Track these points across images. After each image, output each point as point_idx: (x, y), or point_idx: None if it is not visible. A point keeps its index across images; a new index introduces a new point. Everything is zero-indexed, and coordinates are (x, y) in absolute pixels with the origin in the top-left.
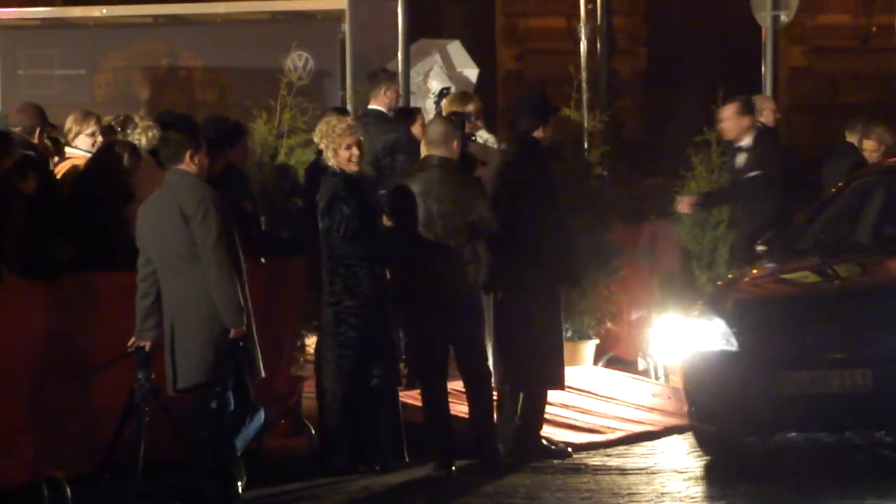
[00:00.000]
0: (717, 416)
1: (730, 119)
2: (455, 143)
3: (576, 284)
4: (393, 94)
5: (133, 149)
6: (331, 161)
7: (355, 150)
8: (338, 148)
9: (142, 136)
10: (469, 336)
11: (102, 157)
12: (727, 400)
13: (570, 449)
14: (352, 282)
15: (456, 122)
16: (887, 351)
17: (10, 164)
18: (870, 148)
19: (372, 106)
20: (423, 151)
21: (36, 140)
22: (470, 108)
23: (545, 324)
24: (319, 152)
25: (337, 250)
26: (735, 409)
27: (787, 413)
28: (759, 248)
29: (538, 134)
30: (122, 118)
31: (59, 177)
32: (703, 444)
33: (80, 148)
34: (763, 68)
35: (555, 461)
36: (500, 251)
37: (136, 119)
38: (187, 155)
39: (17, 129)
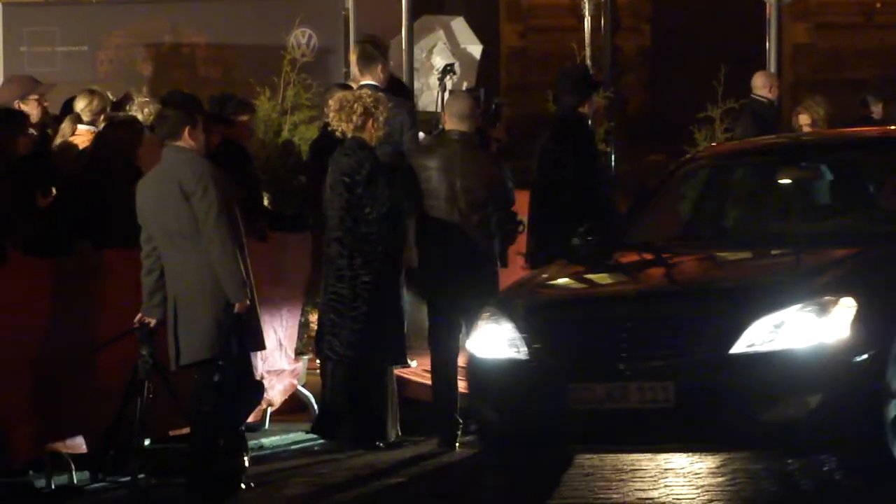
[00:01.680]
0: (504, 432)
1: None
2: (475, 119)
3: None
4: (386, 69)
5: (136, 125)
6: (373, 133)
7: (383, 126)
8: (375, 121)
9: (138, 112)
10: None
11: (107, 135)
12: (514, 415)
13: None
14: (371, 257)
15: (476, 98)
16: (692, 361)
17: (25, 141)
18: (804, 122)
19: (368, 81)
20: (447, 126)
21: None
22: None
23: None
24: (325, 127)
25: (361, 227)
26: (522, 426)
27: (580, 430)
28: (575, 240)
29: (583, 109)
30: (121, 96)
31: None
32: (494, 461)
33: (90, 125)
34: (767, 45)
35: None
36: (552, 225)
37: (134, 95)
38: (185, 131)
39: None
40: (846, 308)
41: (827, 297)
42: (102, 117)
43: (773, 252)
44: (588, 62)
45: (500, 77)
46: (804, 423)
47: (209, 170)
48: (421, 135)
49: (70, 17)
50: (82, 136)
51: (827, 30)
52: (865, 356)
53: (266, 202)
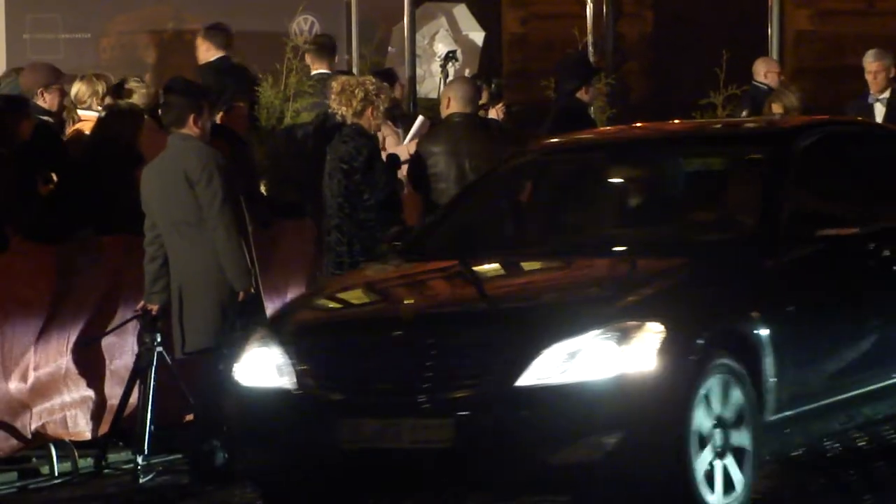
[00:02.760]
0: (267, 473)
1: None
2: (477, 103)
3: None
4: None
5: (135, 111)
6: (371, 121)
7: (386, 114)
8: (375, 109)
9: (133, 96)
10: None
11: (107, 121)
12: (277, 453)
13: None
14: (370, 244)
15: (478, 83)
16: (473, 395)
17: (28, 126)
18: (777, 111)
19: (320, 70)
20: (444, 111)
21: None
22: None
23: None
24: (324, 114)
25: (360, 213)
26: (286, 466)
27: (349, 473)
28: (384, 247)
29: (581, 95)
30: (116, 83)
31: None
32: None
33: (93, 110)
34: (769, 31)
35: None
36: None
37: (131, 81)
38: (190, 119)
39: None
40: (652, 334)
41: (630, 322)
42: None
43: (580, 265)
44: (590, 49)
45: (501, 64)
46: (600, 466)
47: (214, 158)
48: (420, 118)
49: (72, 4)
50: (89, 121)
51: (829, 16)
52: (673, 391)
53: (262, 189)
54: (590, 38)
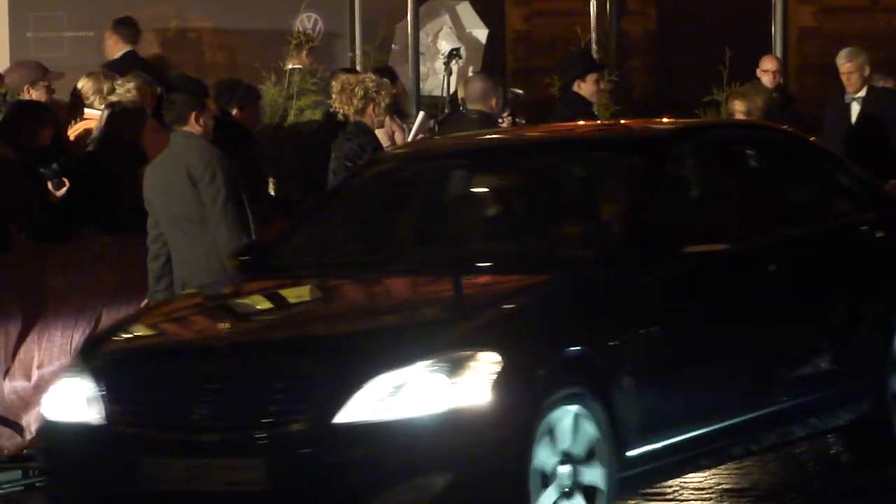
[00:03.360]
0: None
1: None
2: (493, 100)
3: None
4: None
5: (139, 109)
6: (373, 117)
7: (387, 111)
8: (376, 105)
9: (125, 94)
10: None
11: (111, 120)
12: (83, 494)
13: None
14: None
15: (495, 79)
16: (288, 433)
17: (49, 133)
18: (739, 110)
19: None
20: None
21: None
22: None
23: None
24: (328, 112)
25: None
26: None
27: None
28: (229, 263)
29: (577, 88)
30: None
31: (73, 138)
32: None
33: (96, 108)
34: (773, 28)
35: None
36: None
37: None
38: (192, 116)
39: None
40: (487, 365)
41: (463, 352)
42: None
43: (422, 285)
44: (594, 46)
45: (505, 61)
46: None
47: (217, 155)
48: (422, 114)
49: (76, 2)
50: (93, 119)
51: (833, 13)
52: (510, 427)
53: (271, 187)
54: (593, 35)
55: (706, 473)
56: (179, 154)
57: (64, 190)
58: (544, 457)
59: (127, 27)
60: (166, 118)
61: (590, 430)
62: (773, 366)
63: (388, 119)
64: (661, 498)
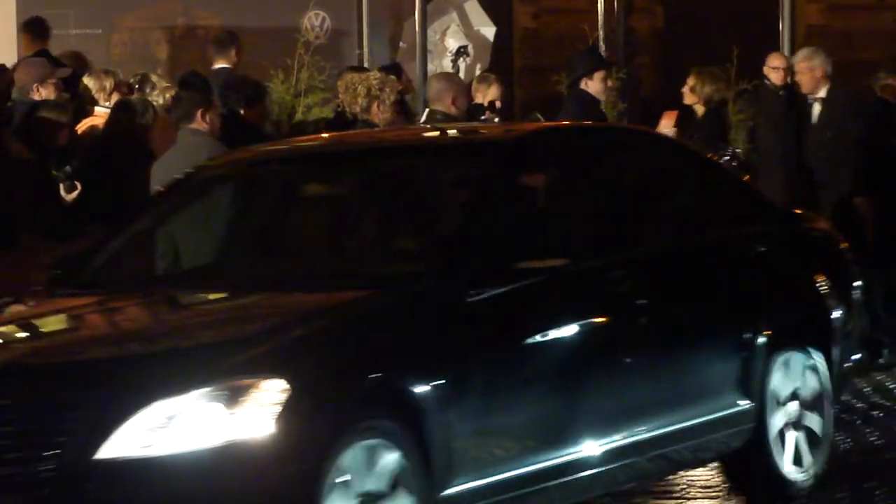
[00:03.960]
0: None
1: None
2: (450, 100)
3: None
4: (241, 53)
5: (147, 106)
6: (379, 115)
7: (395, 108)
8: (381, 103)
9: (160, 96)
10: None
11: (118, 116)
12: None
13: None
14: None
15: (456, 79)
16: (46, 470)
17: (66, 133)
18: (690, 100)
19: (222, 65)
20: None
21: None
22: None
23: None
24: (337, 109)
25: None
26: None
27: None
28: (39, 276)
29: (584, 86)
30: (139, 77)
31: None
32: None
33: (101, 106)
34: (780, 26)
35: None
36: None
37: (154, 79)
38: (198, 114)
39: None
40: (272, 394)
41: (245, 379)
42: (112, 98)
43: (216, 303)
44: (601, 44)
45: (513, 59)
46: None
47: (224, 152)
48: (427, 111)
49: (84, 0)
50: (99, 117)
51: (840, 11)
52: (297, 463)
53: None
54: (601, 33)
55: (713, 472)
56: (186, 151)
57: (76, 193)
58: (337, 496)
59: (36, 26)
60: (172, 116)
61: (395, 467)
62: (626, 394)
63: (395, 116)
64: (668, 496)
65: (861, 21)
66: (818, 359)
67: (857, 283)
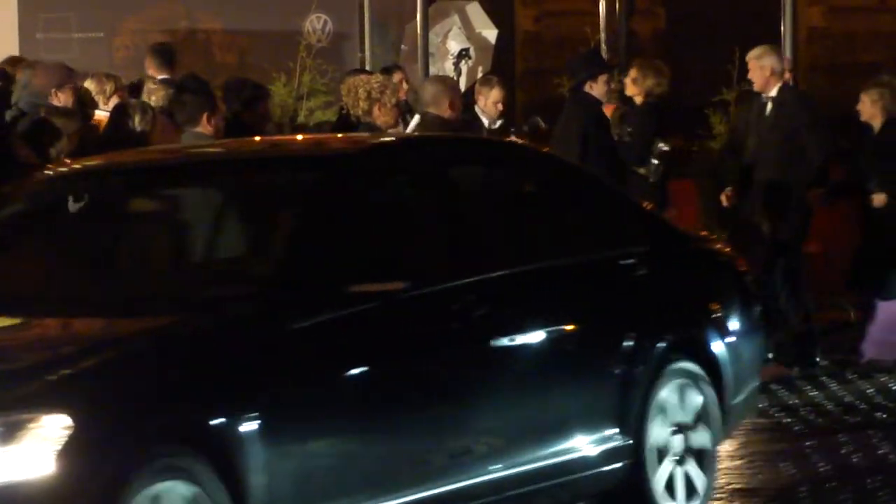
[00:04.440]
0: None
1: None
2: (446, 104)
3: None
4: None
5: (146, 109)
6: (380, 118)
7: (396, 110)
8: (382, 105)
9: (151, 95)
10: None
11: (116, 119)
12: None
13: None
14: None
15: (451, 83)
16: None
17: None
18: (631, 91)
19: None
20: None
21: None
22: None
23: None
24: (341, 111)
25: None
26: None
27: None
28: None
29: (588, 89)
30: (134, 83)
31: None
32: None
33: (100, 109)
34: (782, 28)
35: None
36: None
37: (147, 81)
38: (203, 117)
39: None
40: (54, 430)
41: (23, 414)
42: (112, 101)
43: (8, 332)
44: (603, 46)
45: (514, 62)
46: None
47: None
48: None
49: (85, 3)
50: (98, 121)
51: (841, 13)
52: None
53: None
54: (602, 36)
55: (716, 473)
56: None
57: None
58: None
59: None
60: (177, 119)
61: None
62: (470, 431)
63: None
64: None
65: (862, 23)
66: (706, 387)
67: (755, 309)
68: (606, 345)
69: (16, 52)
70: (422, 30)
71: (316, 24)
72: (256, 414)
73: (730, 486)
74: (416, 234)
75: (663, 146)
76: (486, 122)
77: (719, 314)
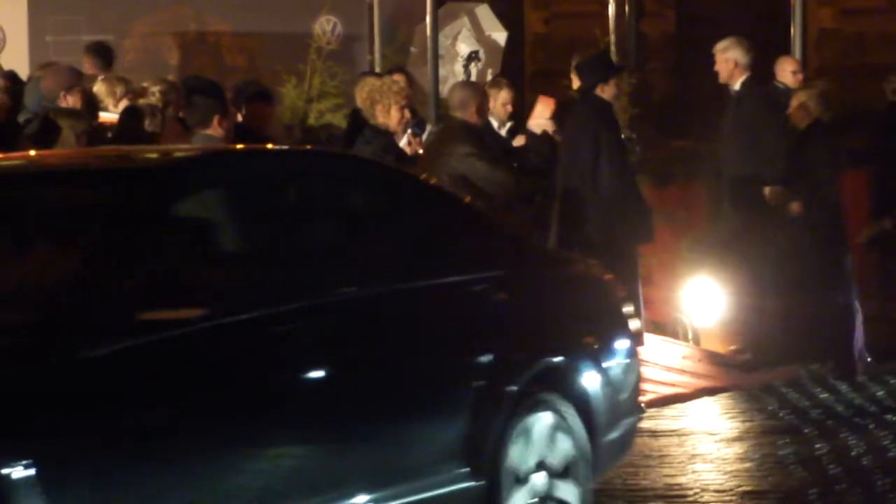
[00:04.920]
0: None
1: None
2: (474, 108)
3: (650, 240)
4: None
5: (156, 112)
6: (380, 119)
7: (407, 113)
8: (393, 106)
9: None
10: None
11: (127, 122)
12: None
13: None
14: None
15: (480, 88)
16: None
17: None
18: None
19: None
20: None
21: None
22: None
23: (627, 283)
24: (353, 112)
25: None
26: None
27: None
28: None
29: (599, 92)
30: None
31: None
32: None
33: (110, 112)
34: (792, 30)
35: None
36: (576, 209)
37: (147, 85)
38: (215, 119)
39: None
40: None
41: None
42: (121, 105)
43: None
44: (612, 48)
45: (524, 64)
46: None
47: None
48: (429, 127)
49: (95, 6)
50: (107, 122)
51: (852, 14)
52: None
53: None
54: (612, 38)
55: (726, 475)
56: None
57: None
58: None
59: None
60: (189, 121)
61: None
62: (280, 475)
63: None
64: (681, 499)
65: (873, 25)
66: (573, 420)
67: (628, 336)
68: (455, 378)
69: (26, 54)
70: (431, 32)
71: (326, 26)
72: (29, 460)
73: (740, 489)
74: (227, 257)
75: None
76: (495, 123)
77: (588, 342)
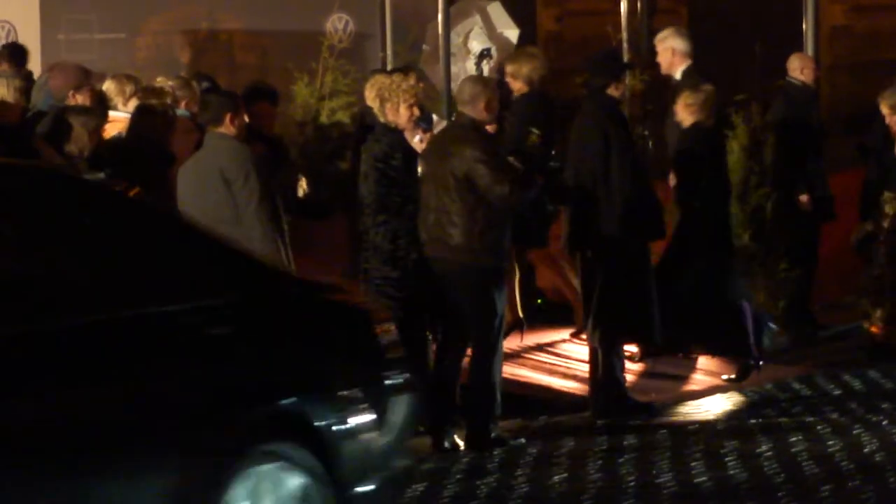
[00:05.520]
0: None
1: None
2: (483, 105)
3: (662, 237)
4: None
5: (168, 110)
6: (389, 117)
7: (416, 110)
8: (402, 104)
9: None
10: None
11: (140, 121)
12: None
13: (653, 404)
14: (416, 236)
15: (491, 84)
16: None
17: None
18: (516, 87)
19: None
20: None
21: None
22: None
23: (639, 281)
24: (360, 114)
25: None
26: None
27: None
28: None
29: (611, 91)
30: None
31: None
32: None
33: (119, 111)
34: (804, 27)
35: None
36: (587, 208)
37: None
38: (227, 117)
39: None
40: None
41: None
42: (132, 102)
43: None
44: (625, 46)
45: None
46: None
47: (250, 157)
48: (434, 117)
49: (107, 4)
50: (118, 122)
51: (864, 11)
52: None
53: (304, 187)
54: (624, 35)
55: (738, 471)
56: (213, 155)
57: None
58: None
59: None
60: (201, 119)
61: None
62: None
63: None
64: (693, 496)
65: (885, 21)
66: (309, 479)
67: (394, 377)
68: (152, 427)
69: (38, 53)
70: (443, 30)
71: (337, 24)
72: None
73: (752, 484)
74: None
75: (535, 133)
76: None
77: (337, 381)
